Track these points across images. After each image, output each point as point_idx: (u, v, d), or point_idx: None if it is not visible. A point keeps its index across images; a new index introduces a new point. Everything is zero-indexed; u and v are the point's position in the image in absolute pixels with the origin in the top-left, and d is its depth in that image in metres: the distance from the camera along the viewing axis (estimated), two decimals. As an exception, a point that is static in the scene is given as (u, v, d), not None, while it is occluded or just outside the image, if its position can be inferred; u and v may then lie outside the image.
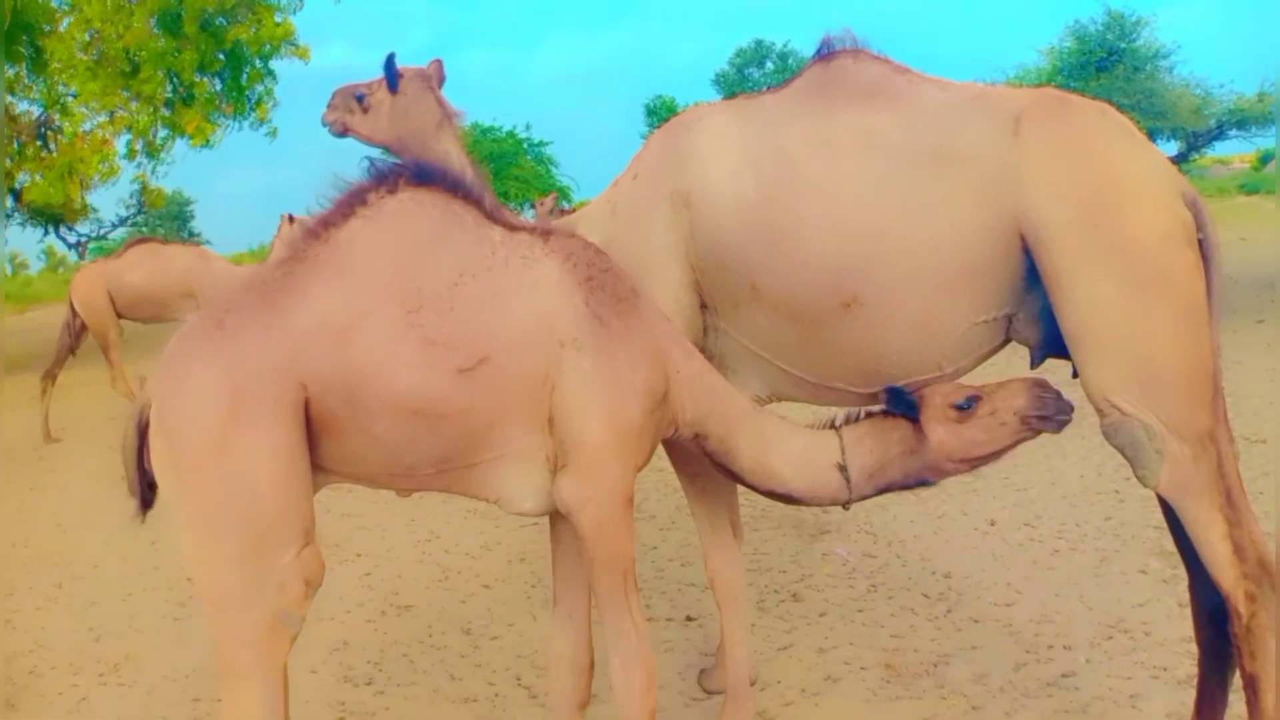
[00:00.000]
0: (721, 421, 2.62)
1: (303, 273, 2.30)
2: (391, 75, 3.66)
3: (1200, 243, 2.41)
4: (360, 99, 3.70)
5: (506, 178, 24.76)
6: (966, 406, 2.52)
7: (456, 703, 3.71)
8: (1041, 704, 3.41)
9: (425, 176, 2.47)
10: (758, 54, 34.60)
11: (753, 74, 33.99)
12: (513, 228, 2.48)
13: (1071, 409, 2.51)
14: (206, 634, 4.26)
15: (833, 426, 2.69)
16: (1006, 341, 2.67)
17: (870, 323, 2.61)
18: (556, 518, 2.60)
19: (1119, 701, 3.39)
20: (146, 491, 2.34)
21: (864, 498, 2.68)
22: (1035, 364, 2.71)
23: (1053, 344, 2.53)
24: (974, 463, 2.58)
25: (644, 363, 2.43)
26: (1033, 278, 2.48)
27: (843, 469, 2.62)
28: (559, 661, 2.74)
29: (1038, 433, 2.53)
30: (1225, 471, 2.40)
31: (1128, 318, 2.36)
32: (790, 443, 2.65)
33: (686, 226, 2.89)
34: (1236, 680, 2.59)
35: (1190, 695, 2.91)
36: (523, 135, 27.06)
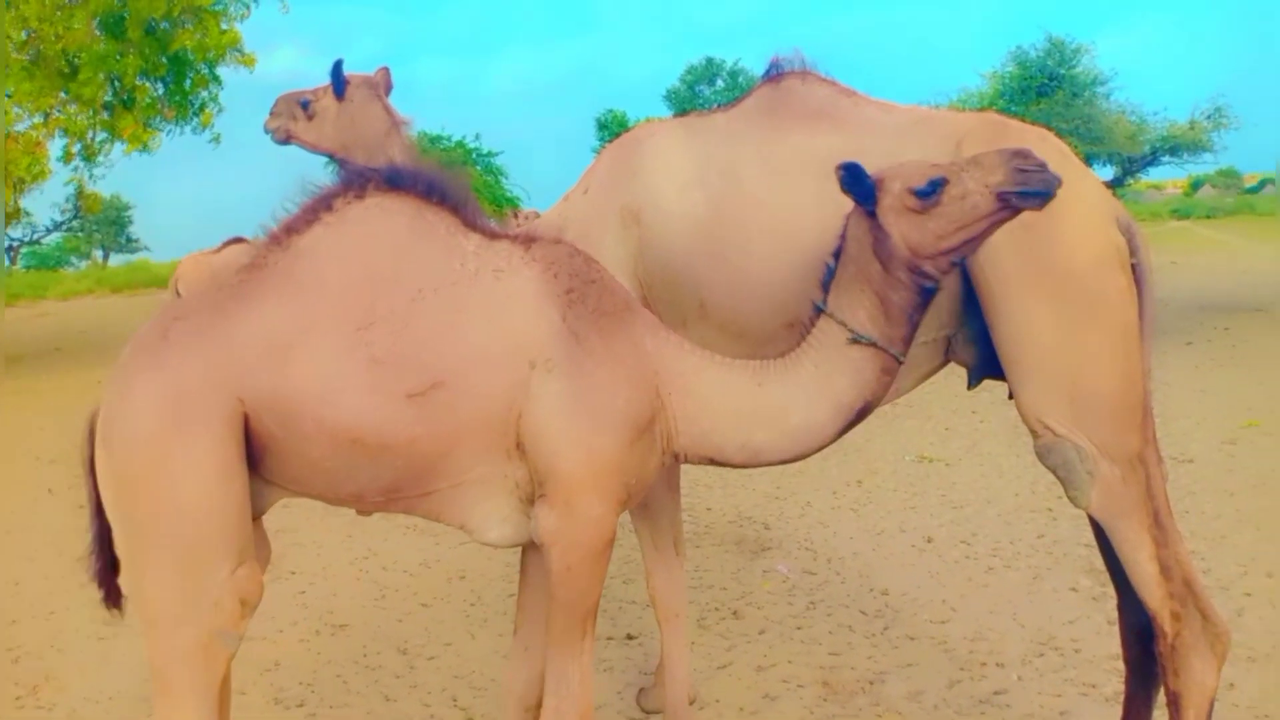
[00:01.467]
0: (733, 429, 2.35)
1: (257, 281, 2.20)
2: (338, 82, 3.62)
3: (1133, 267, 2.47)
4: (305, 106, 3.65)
5: (454, 187, 24.59)
6: (929, 193, 2.19)
7: (391, 724, 3.65)
8: (975, 721, 3.46)
9: (397, 181, 2.32)
10: (708, 71, 34.93)
11: (703, 91, 34.30)
12: (492, 236, 2.33)
13: (1058, 180, 2.17)
14: (133, 654, 4.17)
15: (818, 311, 2.35)
16: (945, 362, 2.71)
17: None
18: (529, 546, 2.44)
19: (1049, 719, 3.44)
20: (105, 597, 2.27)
21: (904, 342, 2.29)
22: (972, 384, 2.75)
23: (990, 365, 2.57)
24: (951, 254, 2.23)
25: (626, 387, 2.24)
26: (970, 300, 2.52)
27: (856, 339, 2.28)
28: (508, 694, 2.61)
29: (1017, 211, 2.20)
30: (1154, 493, 2.46)
31: (1060, 341, 2.40)
32: (801, 381, 2.32)
33: (636, 242, 2.89)
34: (1161, 698, 2.64)
35: (1118, 712, 2.97)
36: (472, 145, 26.93)
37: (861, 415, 2.36)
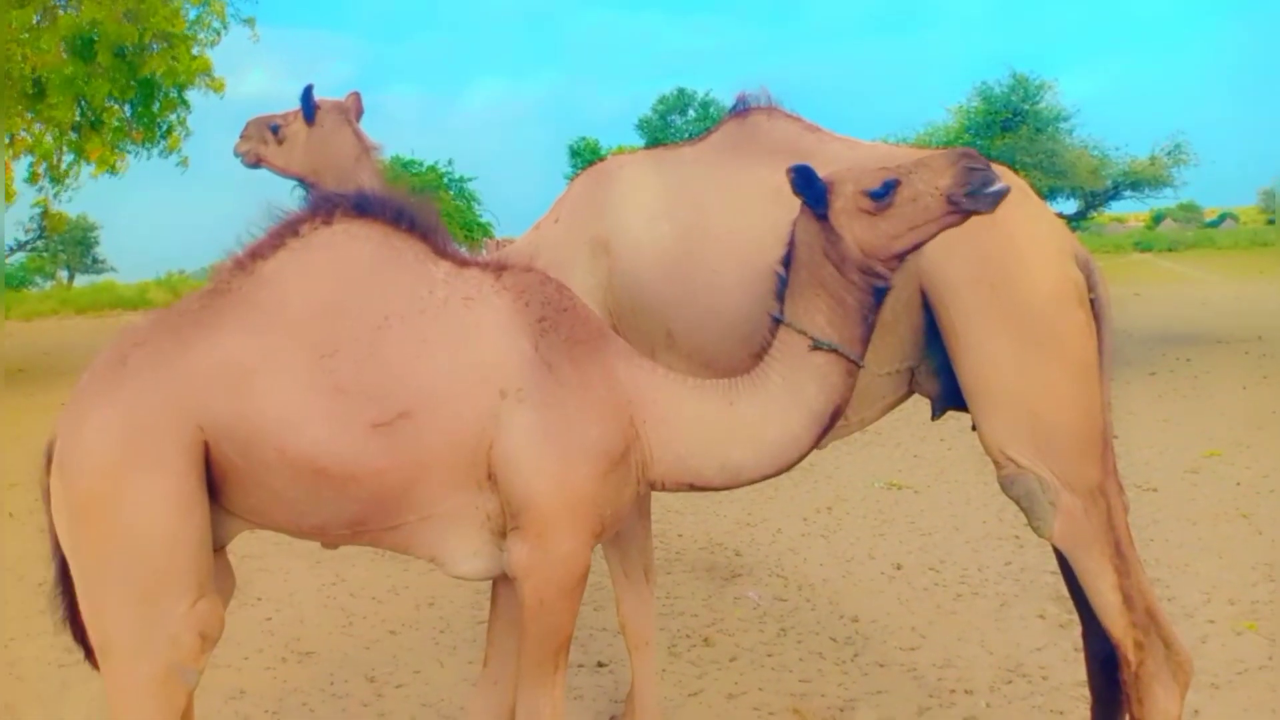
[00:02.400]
0: (709, 452, 2.32)
1: (218, 307, 2.16)
2: (308, 106, 3.62)
3: (1092, 302, 2.53)
4: (275, 130, 3.66)
5: (427, 213, 24.53)
6: (882, 195, 2.18)
7: (358, 753, 3.60)
8: (944, 749, 3.47)
9: (365, 207, 2.28)
10: (680, 101, 35.24)
11: (675, 120, 34.58)
12: (463, 263, 2.30)
13: (1006, 187, 2.19)
14: (94, 682, 4.08)
15: (775, 321, 2.35)
16: (909, 393, 2.75)
17: None
18: (500, 578, 2.38)
19: (1017, 746, 3.47)
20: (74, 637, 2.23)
21: (862, 345, 2.30)
22: (936, 415, 2.79)
23: (953, 397, 2.61)
24: (902, 254, 2.25)
25: (598, 418, 2.20)
26: (933, 333, 2.57)
27: (816, 345, 2.27)
28: None
29: (967, 215, 2.20)
30: (1115, 523, 2.50)
31: (1021, 375, 2.45)
32: (772, 394, 2.31)
33: (605, 272, 2.92)
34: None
35: (1084, 739, 3.00)
36: (445, 170, 26.95)
37: (833, 420, 2.34)
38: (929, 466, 7.55)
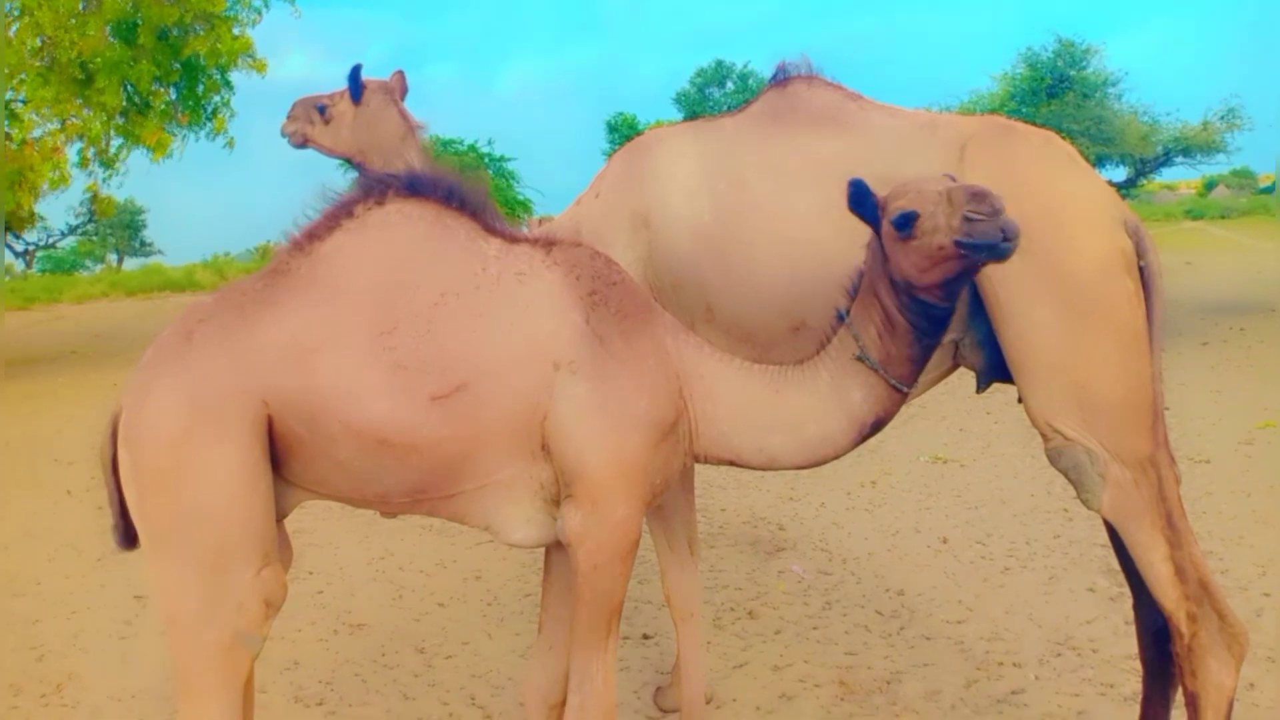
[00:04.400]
0: (750, 431, 2.37)
1: (279, 286, 2.23)
2: (356, 86, 3.65)
3: (1141, 270, 2.47)
4: (322, 110, 3.69)
5: (467, 191, 24.67)
6: (903, 226, 2.13)
7: (409, 723, 3.68)
8: (992, 721, 3.46)
9: (417, 187, 2.35)
10: (718, 74, 34.93)
11: (713, 93, 34.31)
12: (513, 240, 2.36)
13: (1015, 229, 2.04)
14: (153, 653, 4.21)
15: (839, 319, 2.34)
16: (955, 366, 2.72)
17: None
18: (553, 546, 2.44)
19: (1067, 718, 3.44)
20: (121, 539, 2.27)
21: (909, 370, 2.28)
22: (981, 388, 2.76)
23: (998, 369, 2.57)
24: (942, 286, 2.17)
25: (649, 388, 2.26)
26: (977, 304, 2.53)
27: (862, 356, 2.28)
28: (531, 692, 2.62)
29: (975, 262, 2.11)
30: (1166, 495, 2.46)
31: (1067, 345, 2.41)
32: (818, 390, 2.32)
33: (645, 246, 2.91)
34: (1180, 698, 2.65)
35: (1135, 712, 2.97)
36: (485, 149, 27.05)
37: (875, 429, 2.36)
38: (975, 440, 7.48)
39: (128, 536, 2.25)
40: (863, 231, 2.40)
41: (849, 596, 4.67)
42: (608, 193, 3.08)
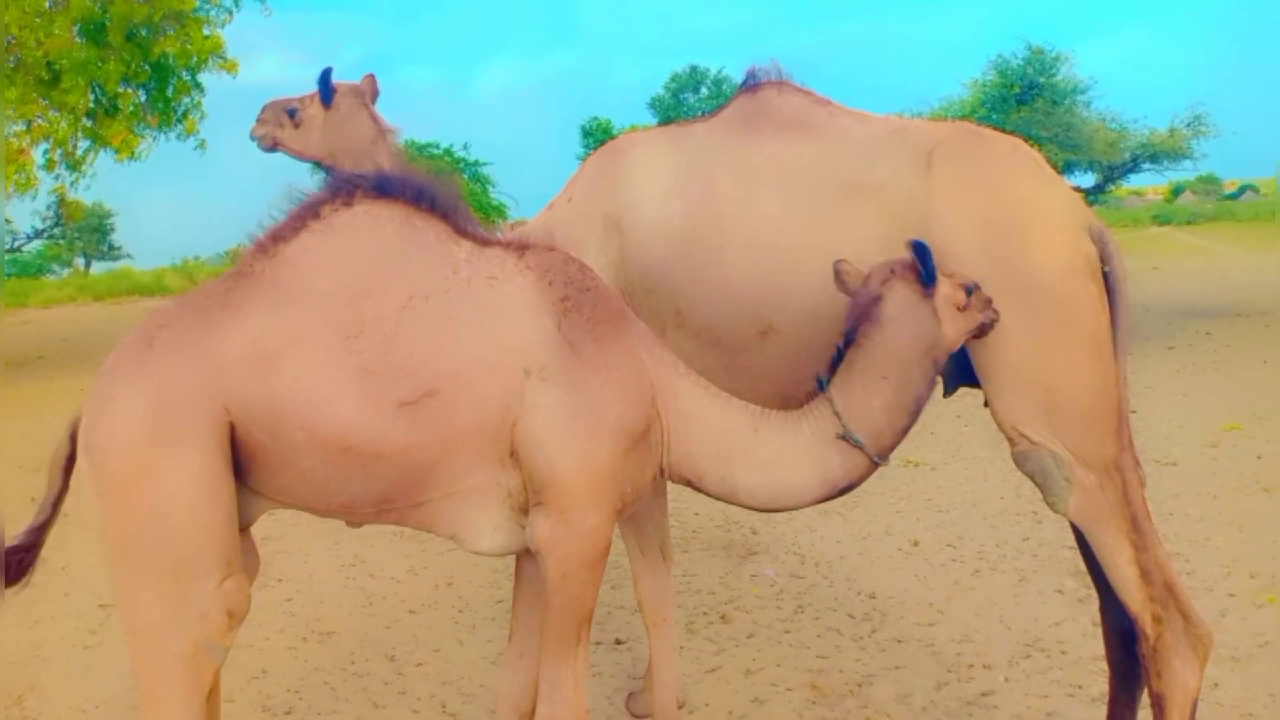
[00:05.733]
0: (719, 460, 2.38)
1: (242, 290, 2.18)
2: (326, 89, 3.62)
3: (1106, 275, 2.50)
4: (292, 113, 3.66)
5: (442, 195, 24.57)
6: (969, 293, 2.34)
7: (379, 731, 3.64)
8: (962, 723, 3.48)
9: (385, 188, 2.30)
10: (693, 80, 35.04)
11: (688, 99, 34.41)
12: (485, 243, 2.32)
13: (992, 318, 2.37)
14: (118, 663, 4.15)
15: (818, 388, 2.39)
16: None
17: (787, 350, 2.65)
18: (524, 553, 2.43)
19: (1036, 719, 3.48)
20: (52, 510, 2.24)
21: (896, 440, 2.37)
22: (948, 392, 2.78)
23: (965, 373, 2.59)
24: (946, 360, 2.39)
25: (621, 396, 2.24)
26: None
27: (845, 436, 2.33)
28: (502, 700, 2.59)
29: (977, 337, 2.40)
30: (1131, 498, 2.48)
31: (1032, 350, 2.43)
32: (798, 443, 2.36)
33: (617, 251, 2.91)
34: (1146, 698, 2.67)
35: (1103, 713, 2.99)
36: (460, 153, 26.96)
37: (842, 493, 2.41)
38: (945, 443, 7.53)
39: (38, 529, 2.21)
40: (830, 235, 2.43)
41: (821, 600, 4.68)
42: (580, 197, 3.08)
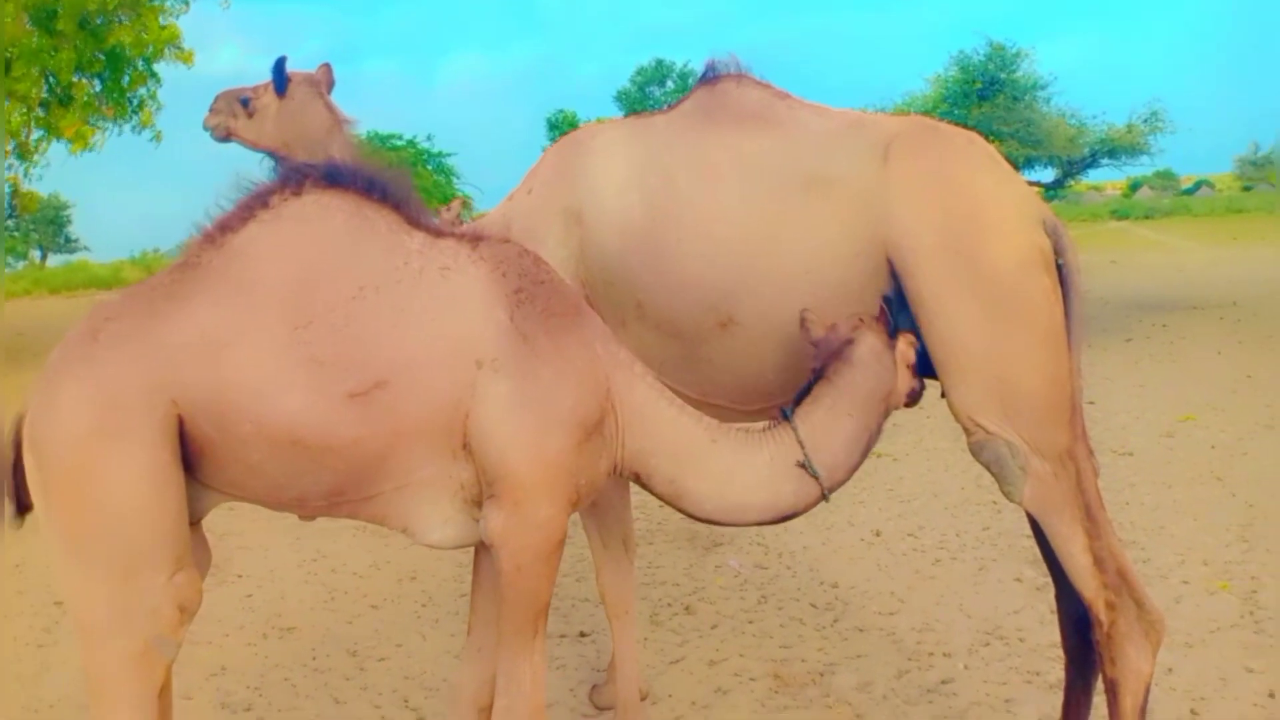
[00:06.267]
0: (671, 461, 2.38)
1: (189, 281, 2.14)
2: (280, 78, 3.57)
3: (1060, 268, 2.53)
4: (245, 103, 3.60)
5: (405, 188, 24.38)
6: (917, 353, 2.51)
7: (340, 727, 3.61)
8: (921, 710, 3.51)
9: (335, 178, 2.27)
10: (659, 73, 35.03)
11: (654, 92, 34.40)
12: (437, 234, 2.29)
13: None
14: (74, 661, 4.07)
15: (784, 417, 2.45)
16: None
17: (746, 343, 2.66)
18: (480, 547, 2.41)
19: (995, 706, 3.52)
20: (15, 509, 2.18)
21: (848, 476, 2.46)
22: None
23: (923, 364, 2.61)
24: (905, 401, 2.54)
25: (574, 388, 2.22)
26: (901, 302, 2.56)
27: (804, 464, 2.39)
28: (461, 695, 2.57)
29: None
30: (1085, 487, 2.52)
31: (987, 342, 2.45)
32: (755, 464, 2.40)
33: (577, 243, 2.90)
34: (1101, 684, 2.71)
35: (1060, 699, 3.03)
36: (424, 145, 26.72)
37: (786, 519, 2.49)
38: (907, 434, 7.59)
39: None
40: (788, 228, 2.46)
41: (784, 590, 4.71)
42: (540, 189, 3.06)
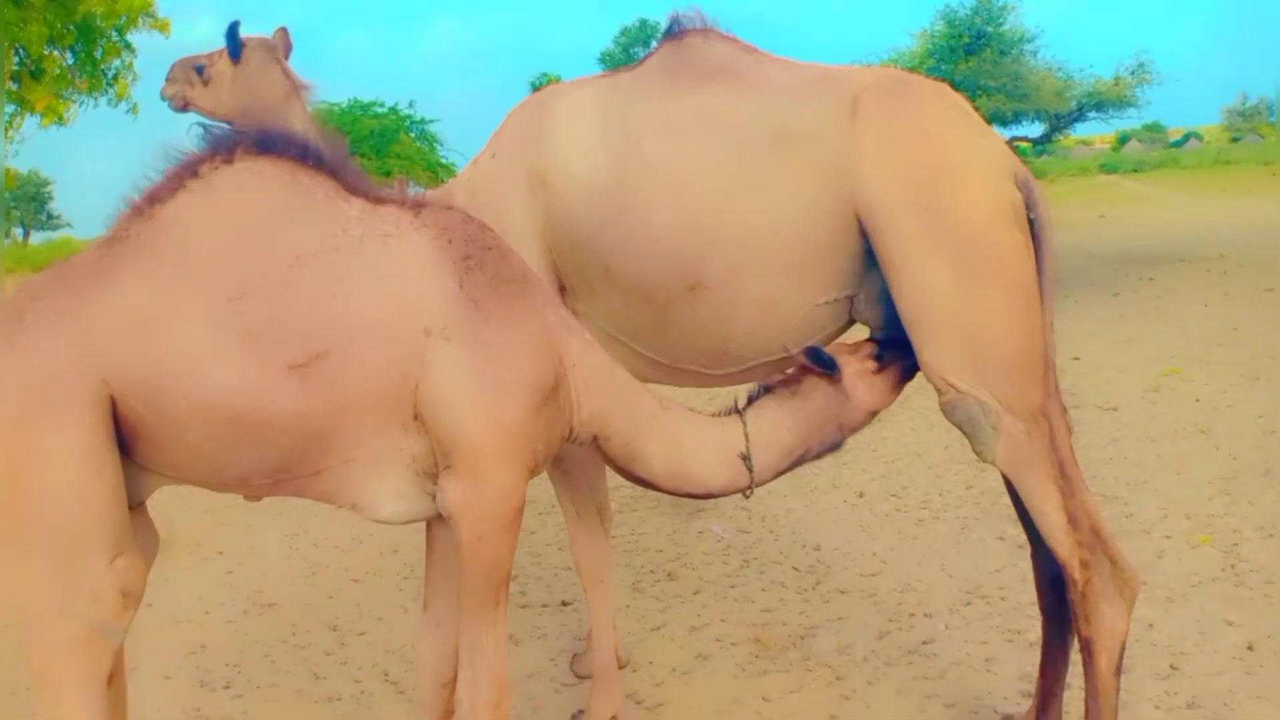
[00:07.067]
0: (627, 422, 2.39)
1: (117, 256, 2.06)
2: (234, 44, 3.46)
3: (1031, 223, 2.47)
4: (200, 70, 3.50)
5: (388, 155, 24.09)
6: (881, 358, 2.58)
7: (319, 703, 3.59)
8: (902, 671, 3.51)
9: (268, 145, 2.19)
10: (642, 34, 34.56)
11: (638, 53, 33.87)
12: (378, 200, 2.21)
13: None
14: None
15: (736, 411, 2.53)
16: (851, 323, 2.70)
17: (715, 305, 2.60)
18: (434, 520, 2.37)
19: (975, 666, 3.51)
20: None
21: (771, 479, 2.57)
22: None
23: (895, 324, 2.56)
24: (876, 413, 2.62)
25: (529, 354, 2.18)
26: (872, 259, 2.51)
27: (745, 458, 2.47)
28: (424, 672, 2.53)
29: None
30: (1058, 445, 2.48)
31: (958, 299, 2.40)
32: (704, 438, 2.46)
33: (543, 207, 2.83)
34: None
35: (1039, 658, 3.02)
36: (406, 112, 26.39)
37: (704, 499, 2.63)
38: (893, 394, 7.57)
39: None
40: (755, 185, 2.42)
41: (766, 554, 4.70)
42: (504, 152, 2.98)
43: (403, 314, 2.10)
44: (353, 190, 2.22)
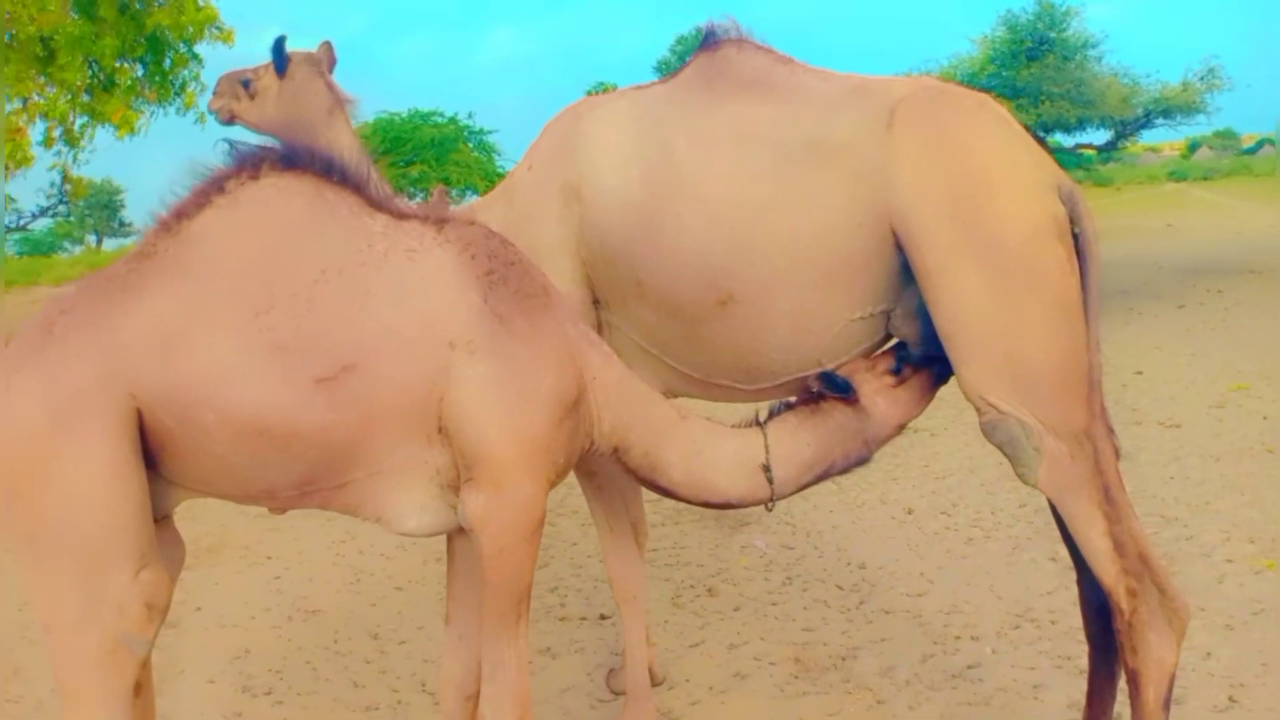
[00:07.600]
0: (647, 433, 2.41)
1: (145, 270, 2.10)
2: (280, 58, 3.52)
3: (1076, 237, 2.38)
4: (246, 84, 3.56)
5: (448, 163, 24.45)
6: (899, 371, 2.56)
7: (357, 711, 3.61)
8: (945, 696, 3.41)
9: (293, 160, 2.23)
10: (698, 42, 34.65)
11: (694, 62, 34.01)
12: (401, 216, 2.25)
13: None
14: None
15: (757, 423, 2.55)
16: (887, 338, 2.63)
17: (747, 320, 2.56)
18: (455, 533, 2.39)
19: (1022, 693, 3.40)
20: None
21: (793, 492, 2.56)
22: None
23: (933, 340, 2.49)
24: (905, 425, 2.61)
25: (551, 367, 2.21)
26: (908, 273, 2.44)
27: (766, 469, 2.48)
28: (447, 684, 2.55)
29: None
30: (1104, 468, 2.38)
31: (997, 315, 2.32)
32: (723, 448, 2.48)
33: (577, 220, 2.81)
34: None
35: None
36: (465, 122, 26.72)
37: (723, 509, 2.63)
38: (946, 408, 7.32)
39: None
40: (789, 198, 2.43)
41: (810, 571, 4.62)
42: (539, 165, 2.97)
43: (428, 328, 2.12)
44: (377, 206, 2.25)
